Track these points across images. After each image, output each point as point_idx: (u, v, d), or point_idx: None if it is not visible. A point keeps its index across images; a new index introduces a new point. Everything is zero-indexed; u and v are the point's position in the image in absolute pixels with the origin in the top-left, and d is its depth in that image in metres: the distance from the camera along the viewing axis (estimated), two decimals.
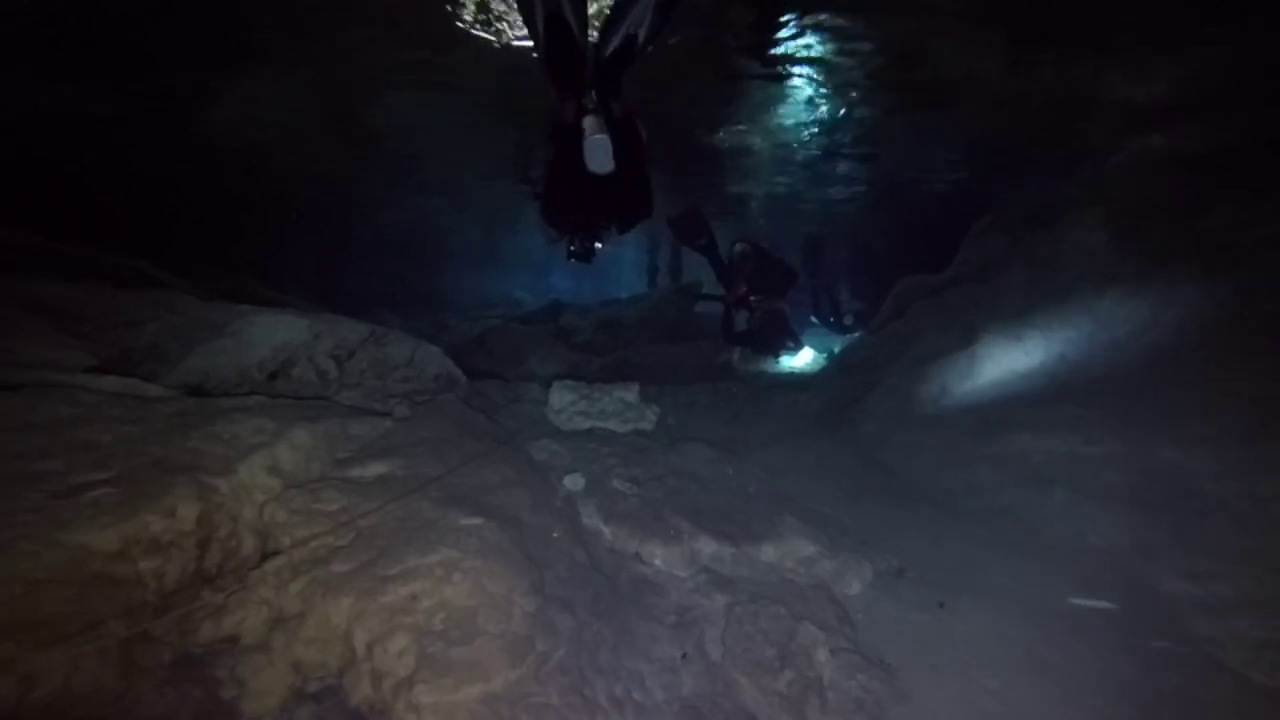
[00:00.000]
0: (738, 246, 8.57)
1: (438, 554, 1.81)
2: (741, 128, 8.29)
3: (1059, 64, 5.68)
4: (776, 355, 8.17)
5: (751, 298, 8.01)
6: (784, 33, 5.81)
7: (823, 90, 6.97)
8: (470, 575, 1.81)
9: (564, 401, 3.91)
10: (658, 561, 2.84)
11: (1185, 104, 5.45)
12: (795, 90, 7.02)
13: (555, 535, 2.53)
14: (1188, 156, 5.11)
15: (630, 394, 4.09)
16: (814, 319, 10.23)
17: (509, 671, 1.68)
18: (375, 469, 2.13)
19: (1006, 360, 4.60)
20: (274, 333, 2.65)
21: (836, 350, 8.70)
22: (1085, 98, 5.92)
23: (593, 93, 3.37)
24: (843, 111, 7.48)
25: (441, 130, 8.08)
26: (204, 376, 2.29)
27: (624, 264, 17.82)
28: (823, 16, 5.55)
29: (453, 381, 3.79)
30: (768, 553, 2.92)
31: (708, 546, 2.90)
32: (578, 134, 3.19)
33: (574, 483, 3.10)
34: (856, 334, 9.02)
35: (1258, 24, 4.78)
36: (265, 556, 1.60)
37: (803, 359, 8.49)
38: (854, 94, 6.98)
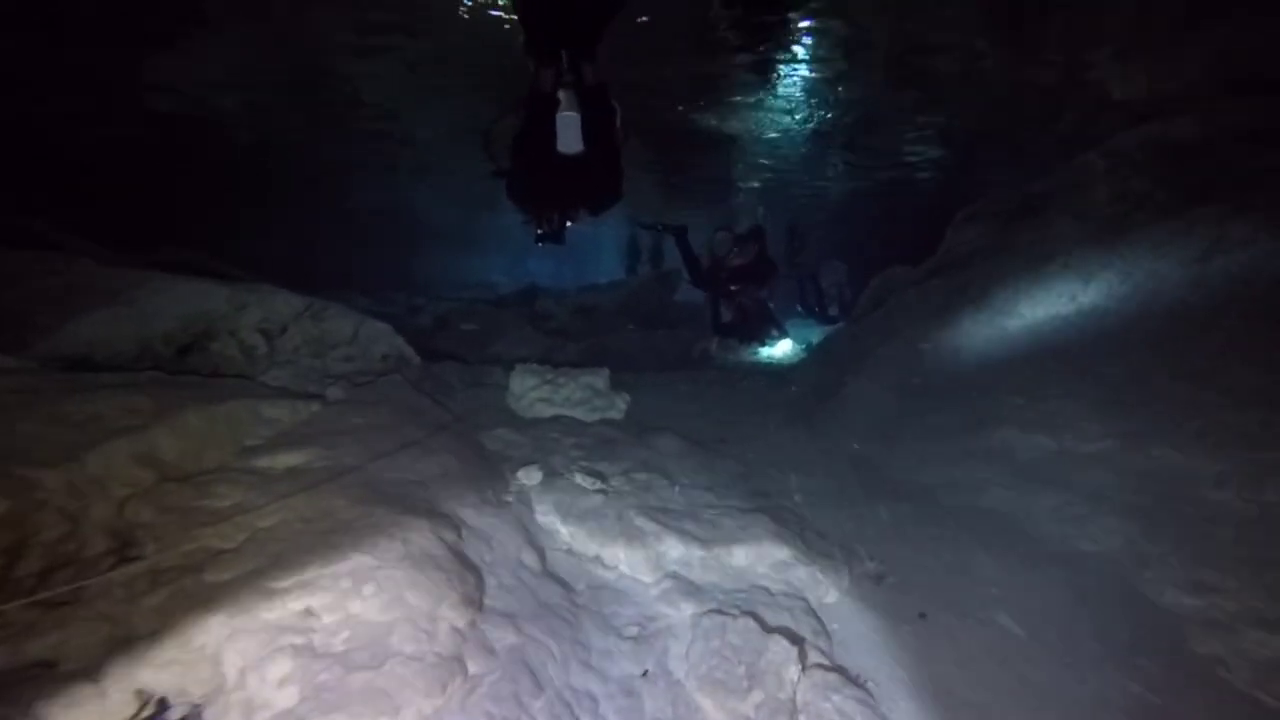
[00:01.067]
0: (719, 235, 8.41)
1: (349, 561, 1.53)
2: (729, 110, 8.05)
3: (1051, 49, 5.50)
4: (762, 344, 8.12)
5: (733, 286, 7.96)
6: (775, 15, 5.58)
7: (815, 74, 6.75)
8: (387, 586, 1.54)
9: (525, 387, 3.63)
10: (621, 565, 2.60)
11: (1175, 93, 5.32)
12: (787, 73, 6.79)
13: (502, 536, 2.26)
14: (1178, 146, 4.98)
15: (599, 380, 3.82)
16: (799, 309, 10.15)
17: (425, 701, 1.42)
18: (289, 459, 1.83)
19: (990, 352, 4.44)
20: (185, 302, 2.32)
21: (815, 341, 8.58)
22: (1076, 85, 5.78)
23: (564, 54, 3.09)
24: (834, 98, 7.26)
25: (413, 102, 7.65)
26: (89, 348, 1.96)
27: (604, 250, 17.46)
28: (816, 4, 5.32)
29: (403, 362, 3.48)
30: (739, 557, 2.70)
31: (675, 549, 2.67)
32: (553, 105, 2.92)
33: (529, 476, 2.83)
34: (839, 325, 8.90)
35: (1247, 13, 4.64)
36: (123, 563, 1.31)
37: (781, 349, 8.38)
38: (846, 79, 6.76)
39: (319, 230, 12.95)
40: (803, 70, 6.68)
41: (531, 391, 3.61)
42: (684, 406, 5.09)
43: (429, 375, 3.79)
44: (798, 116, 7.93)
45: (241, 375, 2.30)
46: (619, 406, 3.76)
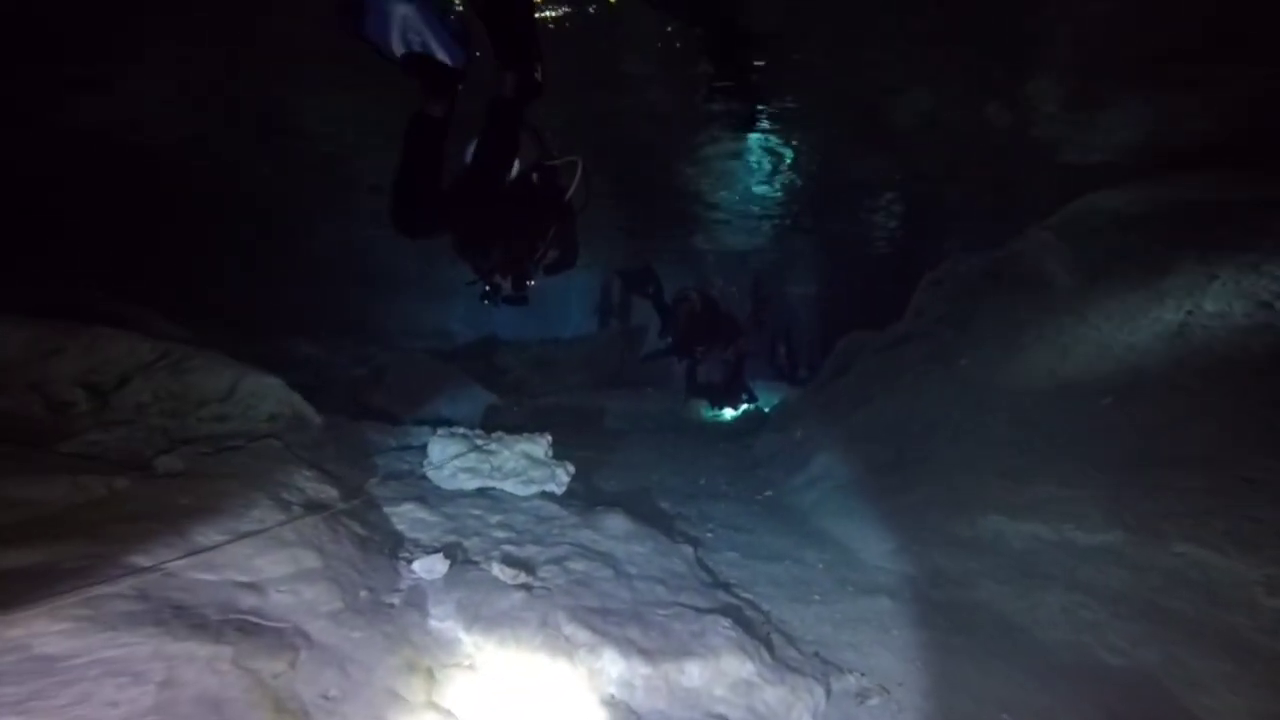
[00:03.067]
0: (683, 293, 8.35)
1: None
2: (701, 179, 8.05)
3: (1016, 114, 5.57)
4: (735, 408, 8.14)
5: (697, 348, 7.83)
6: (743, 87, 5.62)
7: (781, 141, 6.77)
8: None
9: (445, 454, 3.07)
10: (542, 689, 2.01)
11: (1143, 159, 5.40)
12: (755, 141, 6.81)
13: (367, 656, 1.66)
14: (1133, 214, 4.97)
15: (538, 447, 3.29)
16: (771, 369, 10.07)
17: None
18: (13, 557, 1.25)
19: (966, 427, 4.10)
20: None
21: (774, 404, 8.39)
22: (1042, 149, 5.86)
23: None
24: (798, 163, 7.29)
25: (371, 139, 7.34)
26: None
27: (571, 302, 17.18)
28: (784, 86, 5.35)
29: (300, 423, 2.90)
30: (693, 674, 2.13)
31: (614, 665, 2.09)
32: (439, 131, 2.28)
33: (430, 568, 2.24)
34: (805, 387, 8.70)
35: (1219, 78, 4.69)
36: None
37: (738, 411, 8.21)
38: (812, 145, 6.77)
39: (269, 273, 12.30)
40: (769, 136, 6.69)
41: (454, 460, 3.05)
42: (638, 477, 4.56)
43: (336, 439, 3.20)
44: (761, 177, 7.96)
45: (29, 441, 1.72)
46: (560, 478, 3.23)
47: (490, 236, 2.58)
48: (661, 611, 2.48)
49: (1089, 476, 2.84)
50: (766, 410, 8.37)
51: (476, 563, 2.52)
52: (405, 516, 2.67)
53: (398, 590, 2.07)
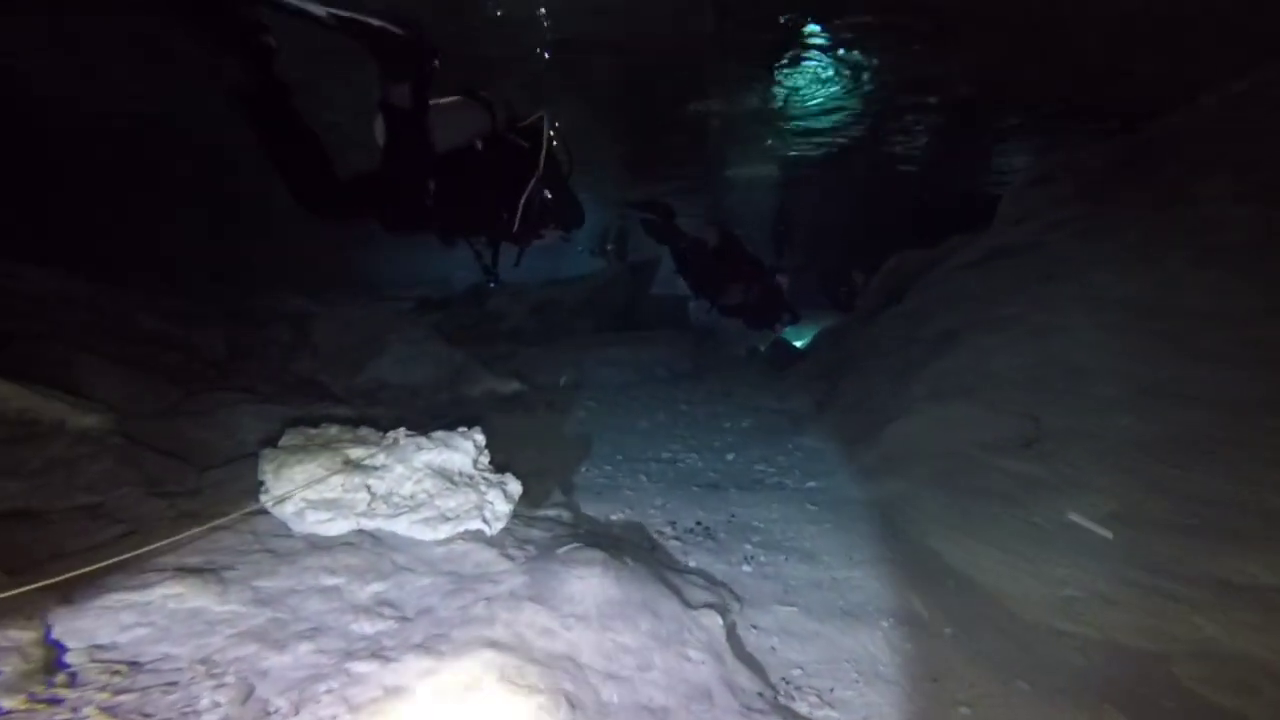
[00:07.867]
0: (709, 230, 6.93)
1: None
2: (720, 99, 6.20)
3: None
4: (773, 329, 7.01)
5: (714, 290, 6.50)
6: None
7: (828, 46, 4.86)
8: None
9: (289, 478, 1.70)
10: None
11: None
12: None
13: None
14: None
15: (460, 455, 1.89)
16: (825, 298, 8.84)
17: None
18: None
19: (1162, 379, 2.54)
20: None
21: (808, 339, 7.00)
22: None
23: None
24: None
25: (326, 74, 5.59)
26: None
27: (582, 242, 15.43)
28: None
29: (29, 430, 1.56)
30: None
31: None
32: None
33: None
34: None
35: None
36: None
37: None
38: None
39: (240, 225, 10.87)
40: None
41: (303, 489, 1.68)
42: (639, 456, 3.15)
43: (136, 448, 1.86)
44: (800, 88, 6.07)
45: None
46: (495, 508, 1.84)
47: (461, 215, 2.44)
48: None
49: None
50: (799, 345, 6.88)
51: None
52: (158, 611, 1.33)
53: None
